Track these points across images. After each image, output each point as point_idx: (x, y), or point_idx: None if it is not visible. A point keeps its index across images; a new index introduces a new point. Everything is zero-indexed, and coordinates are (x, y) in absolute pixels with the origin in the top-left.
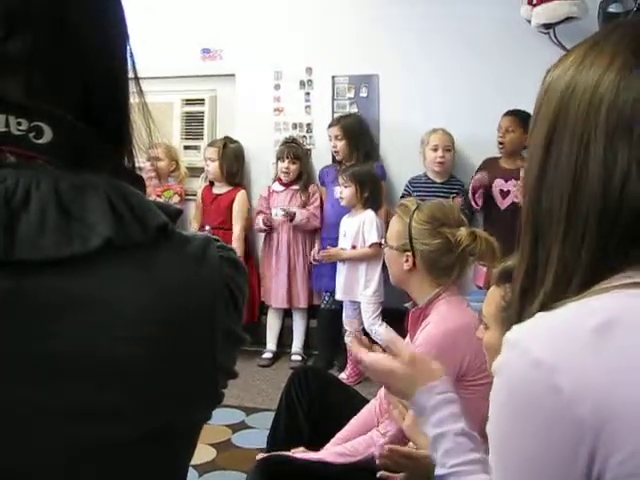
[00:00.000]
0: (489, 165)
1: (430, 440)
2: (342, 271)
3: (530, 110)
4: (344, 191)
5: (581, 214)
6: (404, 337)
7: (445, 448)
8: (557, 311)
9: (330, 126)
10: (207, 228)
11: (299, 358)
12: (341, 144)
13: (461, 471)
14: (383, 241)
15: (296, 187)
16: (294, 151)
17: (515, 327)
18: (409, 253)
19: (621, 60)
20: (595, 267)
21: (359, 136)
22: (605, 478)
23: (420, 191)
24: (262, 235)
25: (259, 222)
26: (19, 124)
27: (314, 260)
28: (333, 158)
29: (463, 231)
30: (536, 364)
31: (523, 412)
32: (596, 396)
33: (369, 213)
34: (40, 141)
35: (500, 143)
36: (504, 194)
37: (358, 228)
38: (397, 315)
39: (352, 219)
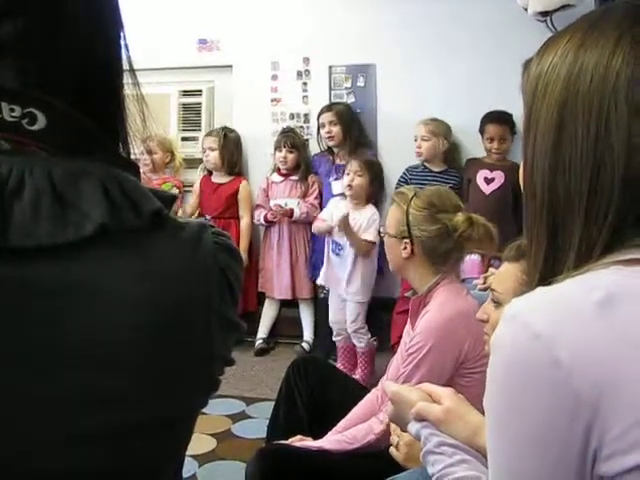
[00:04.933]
0: (473, 164)
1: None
2: (331, 260)
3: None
4: (356, 179)
5: (605, 188)
6: (390, 327)
7: (432, 461)
8: (557, 286)
9: (322, 112)
10: (207, 217)
11: (307, 347)
12: (336, 129)
13: (448, 472)
14: (382, 229)
15: (295, 177)
16: (291, 140)
17: (514, 301)
18: (407, 240)
19: (629, 37)
20: (611, 243)
21: (351, 122)
22: (602, 453)
23: (417, 180)
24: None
25: (260, 217)
26: (12, 110)
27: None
28: (328, 148)
29: (460, 216)
30: (535, 337)
31: (520, 385)
32: (595, 370)
33: (371, 209)
34: (33, 128)
35: (496, 154)
36: (488, 181)
37: (360, 225)
38: (387, 304)
39: (354, 212)
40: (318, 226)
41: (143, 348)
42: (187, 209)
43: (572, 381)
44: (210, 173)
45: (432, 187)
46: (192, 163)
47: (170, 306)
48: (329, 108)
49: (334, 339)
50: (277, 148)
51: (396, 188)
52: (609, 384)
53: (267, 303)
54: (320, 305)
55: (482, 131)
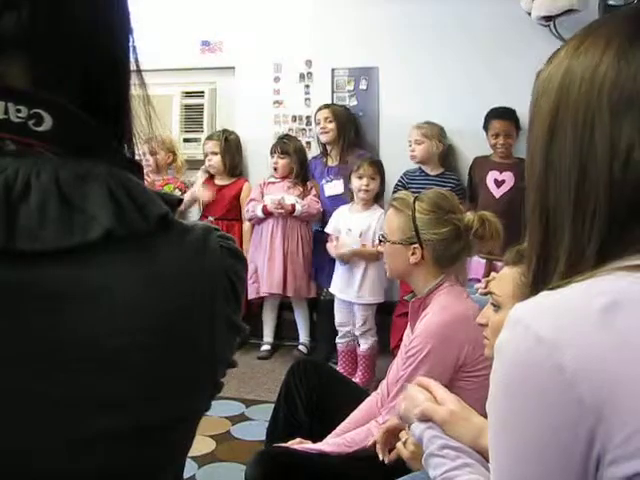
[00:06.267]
0: (480, 163)
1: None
2: (340, 268)
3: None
4: (371, 183)
5: (592, 191)
6: (390, 329)
7: (434, 464)
8: (562, 290)
9: (319, 109)
10: (210, 219)
11: (305, 350)
12: (331, 125)
13: (450, 476)
14: (380, 237)
15: (291, 179)
16: (281, 146)
17: (518, 305)
18: (416, 245)
19: (617, 42)
20: (606, 246)
21: (347, 122)
22: (605, 459)
23: (414, 183)
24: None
25: (256, 209)
26: (18, 111)
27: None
28: (324, 147)
29: (470, 215)
30: (538, 341)
31: (523, 390)
32: (598, 376)
33: (378, 209)
34: (40, 129)
35: (501, 150)
36: (499, 183)
37: (369, 225)
38: (388, 307)
39: (360, 215)
40: (332, 250)
41: (145, 351)
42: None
43: (575, 386)
44: (212, 176)
45: (430, 190)
46: (194, 164)
47: (174, 309)
48: (327, 106)
49: (337, 341)
50: (271, 154)
51: (393, 193)
52: (613, 390)
53: (266, 306)
54: (321, 307)
55: (486, 127)
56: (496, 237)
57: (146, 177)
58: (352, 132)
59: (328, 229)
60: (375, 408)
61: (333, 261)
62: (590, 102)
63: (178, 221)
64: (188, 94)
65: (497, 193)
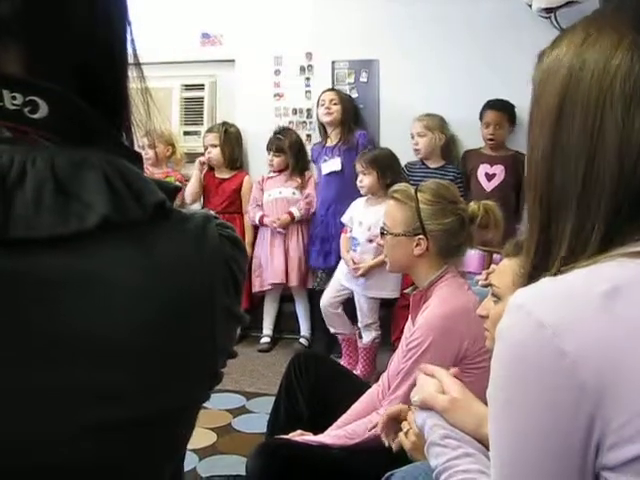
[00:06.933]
0: (472, 155)
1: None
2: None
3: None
4: (364, 179)
5: (599, 180)
6: (391, 323)
7: (435, 454)
8: (563, 277)
9: (324, 92)
10: (212, 212)
11: (306, 343)
12: (336, 107)
13: (451, 465)
14: (381, 229)
15: (289, 173)
16: (277, 143)
17: (519, 291)
18: (421, 237)
19: (630, 37)
20: (610, 233)
21: (350, 108)
22: (605, 444)
23: (415, 176)
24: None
25: (255, 217)
26: (14, 98)
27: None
28: (324, 129)
29: (474, 205)
30: (540, 326)
31: (524, 375)
32: (599, 361)
33: None
34: (35, 116)
35: (491, 140)
36: (489, 177)
37: (378, 220)
38: (388, 300)
39: (372, 209)
40: (345, 257)
41: (144, 341)
42: (187, 199)
43: (576, 371)
44: (212, 169)
45: (430, 181)
46: (194, 157)
47: (173, 298)
48: (332, 89)
49: (332, 331)
50: (267, 150)
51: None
52: (613, 374)
53: (267, 298)
54: (317, 299)
55: (481, 119)
56: (498, 226)
57: (145, 170)
58: (353, 118)
59: (344, 219)
60: (376, 400)
61: (322, 240)
62: (602, 89)
63: (176, 209)
64: (188, 87)
65: (488, 186)
